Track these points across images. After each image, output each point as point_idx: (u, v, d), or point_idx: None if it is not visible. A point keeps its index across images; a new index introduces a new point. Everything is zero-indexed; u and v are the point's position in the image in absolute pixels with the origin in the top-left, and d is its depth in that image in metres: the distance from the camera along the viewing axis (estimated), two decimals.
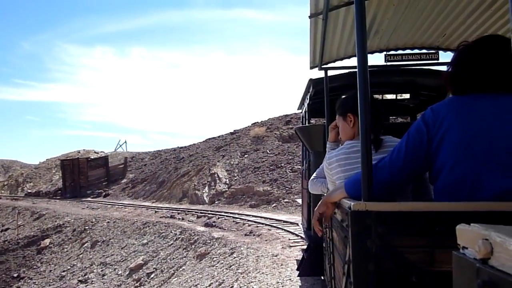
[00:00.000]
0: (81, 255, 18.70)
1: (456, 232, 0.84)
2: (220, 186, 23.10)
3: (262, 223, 14.29)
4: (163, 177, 28.87)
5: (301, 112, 7.82)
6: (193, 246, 14.32)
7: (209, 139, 35.67)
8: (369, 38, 4.35)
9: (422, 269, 1.36)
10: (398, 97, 6.44)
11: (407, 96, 6.42)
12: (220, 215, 17.35)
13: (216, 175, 24.08)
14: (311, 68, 5.00)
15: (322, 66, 4.91)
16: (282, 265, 9.00)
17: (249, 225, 14.35)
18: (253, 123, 31.80)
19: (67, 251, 19.86)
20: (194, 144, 37.16)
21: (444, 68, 5.06)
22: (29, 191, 43.56)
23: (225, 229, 14.85)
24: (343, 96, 2.48)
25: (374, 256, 1.38)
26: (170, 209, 21.25)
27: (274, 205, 18.82)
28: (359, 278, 1.42)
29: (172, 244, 15.62)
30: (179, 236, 15.77)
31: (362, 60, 1.55)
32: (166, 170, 30.08)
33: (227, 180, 23.34)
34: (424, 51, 4.82)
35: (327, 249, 3.09)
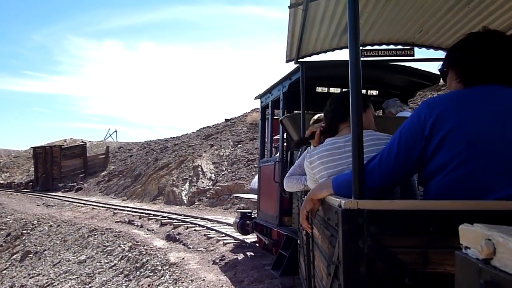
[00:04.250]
0: (4, 271, 13.73)
1: (450, 232, 0.94)
2: (203, 182, 17.99)
3: (246, 243, 9.16)
4: (139, 170, 23.83)
5: (265, 101, 7.41)
6: (137, 273, 9.28)
7: (203, 128, 30.60)
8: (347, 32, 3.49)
9: (415, 270, 1.29)
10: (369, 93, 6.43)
11: (375, 92, 6.35)
12: (192, 223, 12.27)
13: (199, 169, 18.97)
14: (287, 61, 4.87)
15: (298, 60, 4.76)
16: None
17: (224, 244, 9.25)
18: (252, 109, 26.62)
19: None
20: (186, 134, 32.13)
21: (418, 64, 5.58)
22: (1, 182, 38.84)
23: (189, 248, 9.77)
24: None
25: (366, 257, 1.31)
26: (134, 211, 16.21)
27: None
28: (350, 280, 1.33)
29: (114, 265, 10.59)
30: (126, 253, 10.73)
31: (355, 54, 1.51)
32: (145, 161, 25.04)
33: (213, 175, 18.23)
34: (399, 47, 4.73)
35: (302, 246, 3.04)
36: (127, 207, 17.83)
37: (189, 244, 10.04)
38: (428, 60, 5.02)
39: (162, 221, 13.11)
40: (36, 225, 16.24)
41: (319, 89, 6.51)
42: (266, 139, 7.84)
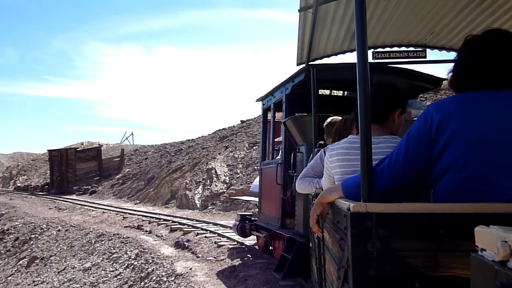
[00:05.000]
0: (10, 278, 13.21)
1: (461, 235, 0.95)
2: (217, 185, 17.25)
3: (258, 255, 8.34)
4: (152, 173, 23.25)
5: (266, 103, 7.30)
6: (141, 284, 8.56)
7: (218, 130, 29.92)
8: None
9: (425, 274, 1.27)
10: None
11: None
12: (203, 229, 11.50)
13: (213, 171, 18.24)
14: (298, 64, 4.85)
15: (309, 63, 4.72)
16: None
17: (236, 253, 8.45)
18: None
19: None
20: (201, 136, 31.49)
21: (430, 66, 6.03)
22: (19, 185, 38.91)
23: (198, 257, 9.00)
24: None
25: (375, 261, 1.29)
26: (144, 215, 15.55)
27: None
28: (359, 283, 1.31)
29: (119, 274, 9.90)
30: (133, 261, 10.02)
31: (362, 56, 1.49)
32: (159, 164, 24.47)
33: (227, 178, 17.47)
34: (411, 48, 4.70)
35: (314, 249, 3.02)
36: (138, 211, 17.21)
37: (198, 253, 9.28)
38: (441, 62, 4.92)
39: (172, 226, 12.38)
40: (45, 229, 15.73)
41: (322, 92, 6.69)
42: (267, 142, 7.67)
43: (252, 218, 8.37)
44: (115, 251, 11.39)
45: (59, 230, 15.13)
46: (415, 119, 4.95)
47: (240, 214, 8.84)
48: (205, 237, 10.57)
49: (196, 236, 10.78)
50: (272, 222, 6.40)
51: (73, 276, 11.14)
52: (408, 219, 1.29)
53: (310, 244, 3.54)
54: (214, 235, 10.66)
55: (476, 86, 1.48)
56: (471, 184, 1.39)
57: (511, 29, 3.22)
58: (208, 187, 17.45)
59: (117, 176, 30.04)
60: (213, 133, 29.47)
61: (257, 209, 7.99)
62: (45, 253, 13.69)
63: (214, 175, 17.99)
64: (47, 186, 33.45)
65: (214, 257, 8.65)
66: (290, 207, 5.80)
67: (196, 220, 13.40)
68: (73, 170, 31.23)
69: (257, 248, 8.59)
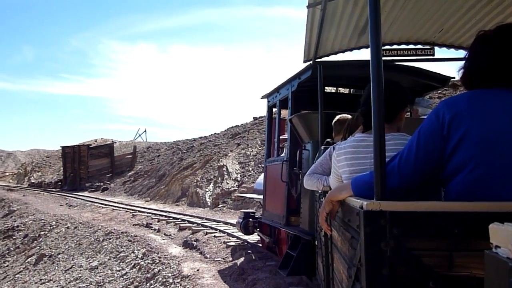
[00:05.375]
0: (18, 275, 13.04)
1: (476, 234, 0.90)
2: (228, 183, 16.88)
3: (268, 256, 7.93)
4: (164, 170, 22.99)
5: (272, 100, 7.22)
6: (147, 285, 8.22)
7: (231, 127, 29.53)
8: (366, 32, 4.21)
9: (439, 273, 1.25)
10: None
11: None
12: (212, 228, 11.14)
13: (225, 169, 17.87)
14: (305, 61, 4.85)
15: (316, 60, 4.71)
16: None
17: (245, 254, 8.05)
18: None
19: (7, 266, 14.28)
20: (214, 133, 31.16)
21: (438, 64, 5.96)
22: (33, 181, 39.12)
23: (206, 258, 8.62)
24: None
25: (389, 260, 1.26)
26: (154, 213, 15.25)
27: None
28: (373, 283, 1.28)
29: (125, 274, 9.59)
30: (139, 261, 9.71)
31: (376, 52, 1.46)
32: (170, 161, 24.20)
33: (238, 176, 17.09)
34: (419, 46, 4.61)
35: (320, 247, 3.03)
36: (148, 208, 16.93)
37: (206, 253, 8.91)
38: (449, 60, 4.81)
39: (181, 225, 12.04)
40: (54, 226, 15.55)
41: (327, 89, 6.65)
42: (272, 139, 7.63)
43: (256, 216, 8.39)
44: (122, 249, 11.09)
45: (68, 227, 14.93)
46: (423, 117, 4.80)
47: (244, 212, 8.84)
48: (214, 236, 10.20)
49: (205, 235, 10.42)
50: (277, 219, 6.36)
51: (80, 275, 10.88)
52: (422, 217, 1.26)
53: (316, 242, 3.49)
54: (223, 234, 10.28)
55: (488, 83, 1.44)
56: (485, 184, 1.37)
57: None
58: (219, 184, 17.08)
59: (129, 173, 29.89)
60: (225, 130, 29.12)
61: (261, 207, 7.99)
62: (53, 250, 13.49)
63: (225, 173, 17.62)
64: (60, 183, 33.49)
65: (223, 258, 8.27)
66: (295, 205, 5.76)
67: (206, 219, 13.04)
68: (86, 167, 31.19)
69: (261, 246, 8.63)
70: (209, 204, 16.49)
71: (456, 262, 1.23)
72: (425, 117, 5.40)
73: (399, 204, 1.29)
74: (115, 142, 37.17)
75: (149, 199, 20.93)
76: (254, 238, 9.21)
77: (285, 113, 7.01)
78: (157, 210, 16.28)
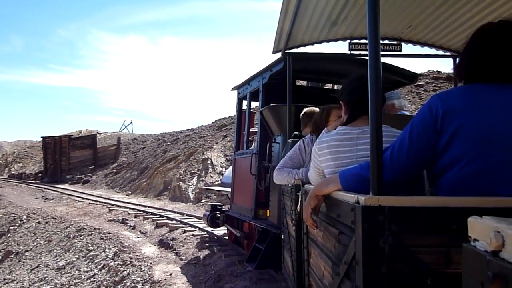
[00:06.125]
0: None
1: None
2: (212, 177, 15.98)
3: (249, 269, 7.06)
4: (146, 162, 22.00)
5: (242, 92, 7.07)
6: None
7: (218, 119, 28.59)
8: (337, 24, 4.23)
9: (437, 270, 1.22)
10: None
11: None
12: (192, 226, 10.25)
13: (209, 162, 16.96)
14: (274, 52, 4.75)
15: (286, 51, 4.62)
16: None
17: (225, 257, 7.17)
18: None
19: None
20: (201, 126, 30.19)
21: (404, 60, 5.62)
22: (13, 172, 37.78)
23: (181, 260, 7.75)
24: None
25: (387, 257, 1.22)
26: (132, 208, 14.31)
27: None
28: (370, 281, 1.23)
29: (93, 276, 8.67)
30: (109, 261, 8.79)
31: (374, 46, 1.43)
32: (154, 153, 23.21)
33: (223, 170, 16.19)
34: (386, 41, 4.58)
35: (287, 242, 2.99)
36: (127, 203, 15.96)
37: (182, 254, 8.02)
38: (415, 56, 4.83)
39: (159, 221, 11.12)
40: (25, 221, 14.52)
41: (299, 83, 6.62)
42: (243, 132, 7.48)
43: (223, 209, 8.28)
44: (93, 248, 10.15)
45: (39, 222, 13.92)
46: (405, 111, 4.88)
47: (211, 205, 8.74)
48: (193, 235, 9.32)
49: (183, 233, 9.53)
50: (245, 212, 6.28)
51: (45, 275, 9.92)
52: (422, 213, 1.22)
53: (282, 236, 3.50)
54: (203, 233, 9.41)
55: (483, 78, 1.42)
56: (479, 179, 1.34)
57: None
58: (203, 178, 16.18)
59: (113, 166, 28.80)
60: (212, 122, 28.19)
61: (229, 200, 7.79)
62: (21, 247, 12.49)
63: (210, 166, 16.72)
64: (40, 175, 32.31)
65: (200, 261, 7.39)
66: (263, 198, 5.67)
67: (187, 215, 12.15)
68: (67, 158, 30.03)
69: (227, 238, 8.51)
70: (191, 198, 15.58)
71: (454, 259, 1.19)
72: (405, 111, 4.91)
73: (399, 199, 1.25)
74: (100, 134, 36.02)
75: (130, 192, 19.94)
76: (221, 231, 8.86)
77: (255, 105, 6.93)
78: (136, 204, 15.33)
